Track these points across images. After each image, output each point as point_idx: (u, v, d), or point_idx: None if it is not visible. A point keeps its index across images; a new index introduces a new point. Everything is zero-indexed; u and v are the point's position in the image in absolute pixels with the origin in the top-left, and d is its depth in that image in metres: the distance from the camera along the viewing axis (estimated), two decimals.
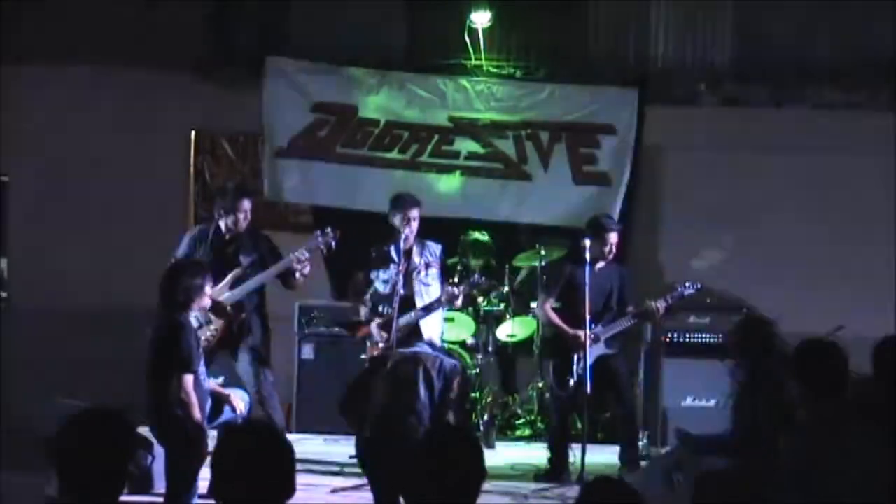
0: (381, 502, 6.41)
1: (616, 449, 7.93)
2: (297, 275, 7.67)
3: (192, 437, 6.44)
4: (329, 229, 7.83)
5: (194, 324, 6.89)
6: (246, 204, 7.73)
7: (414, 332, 7.86)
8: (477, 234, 9.25)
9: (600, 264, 7.86)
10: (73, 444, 3.63)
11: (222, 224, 7.79)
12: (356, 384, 7.62)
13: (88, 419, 3.72)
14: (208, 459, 6.87)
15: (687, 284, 7.94)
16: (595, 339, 7.76)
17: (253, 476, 3.34)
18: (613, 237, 7.88)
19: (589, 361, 7.59)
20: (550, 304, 7.96)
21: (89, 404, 6.40)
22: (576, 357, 7.70)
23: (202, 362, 6.73)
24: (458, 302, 8.00)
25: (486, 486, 7.01)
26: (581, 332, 7.69)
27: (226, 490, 3.37)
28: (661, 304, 7.83)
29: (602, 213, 8.29)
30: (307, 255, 7.63)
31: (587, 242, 7.70)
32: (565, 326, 7.78)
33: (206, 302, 6.80)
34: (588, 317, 7.56)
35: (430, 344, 7.71)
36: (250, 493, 3.32)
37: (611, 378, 7.86)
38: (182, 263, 7.18)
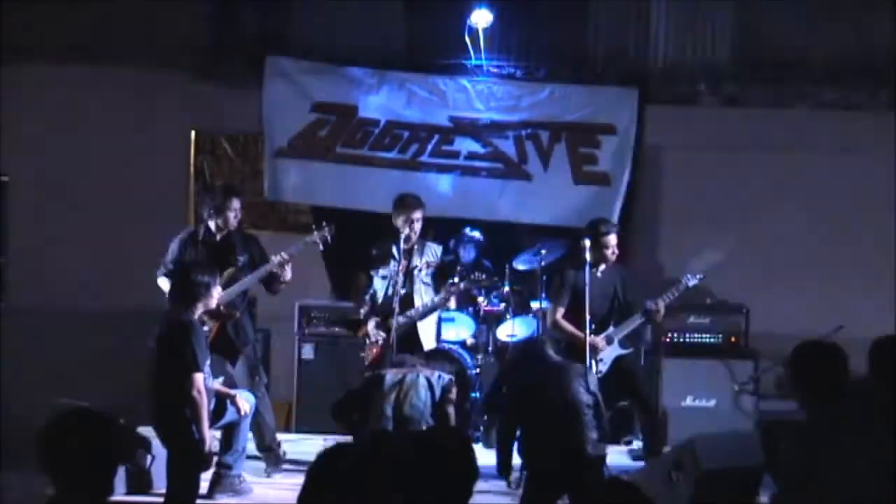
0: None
1: (614, 447, 7.93)
2: (280, 280, 7.71)
3: (197, 439, 6.41)
4: (324, 224, 7.88)
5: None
6: (235, 203, 7.79)
7: (412, 338, 7.91)
8: (468, 230, 9.25)
9: (602, 267, 7.88)
10: (57, 444, 3.63)
11: (212, 224, 7.82)
12: (355, 394, 7.70)
13: (72, 419, 3.72)
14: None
15: (688, 276, 7.98)
16: (609, 341, 7.81)
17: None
18: (612, 239, 7.87)
19: (608, 364, 7.76)
20: (560, 314, 7.93)
21: (89, 404, 6.42)
22: (593, 361, 7.73)
23: (208, 362, 6.72)
24: (451, 301, 8.06)
25: (486, 485, 7.04)
26: (596, 339, 7.76)
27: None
28: (660, 304, 7.84)
29: (599, 216, 8.14)
30: (286, 257, 7.67)
31: (587, 243, 7.71)
32: (578, 333, 7.75)
33: (212, 303, 6.80)
34: (589, 317, 7.58)
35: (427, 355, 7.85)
36: None
37: (630, 378, 7.93)
38: (191, 262, 7.19)
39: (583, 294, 7.64)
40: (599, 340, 7.81)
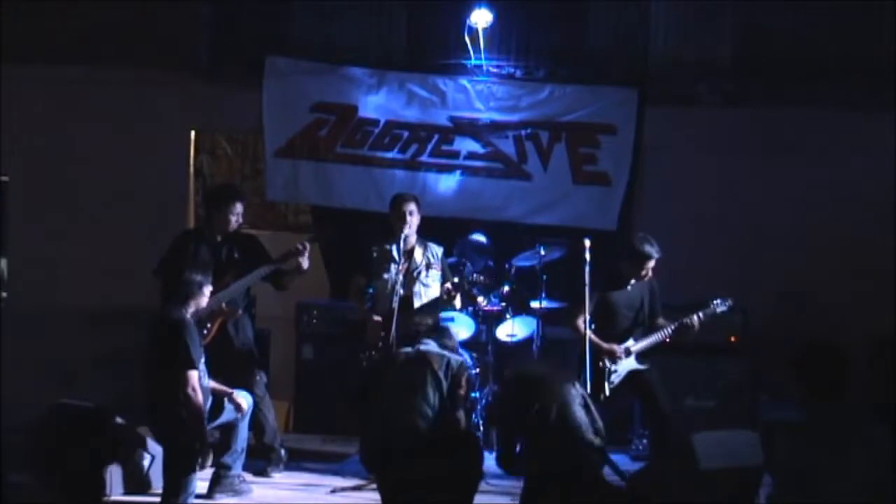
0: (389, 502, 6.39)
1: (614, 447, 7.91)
2: (301, 264, 7.71)
3: (192, 437, 6.41)
4: (305, 241, 7.86)
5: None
6: (238, 207, 7.80)
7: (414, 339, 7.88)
8: (476, 236, 9.24)
9: (633, 281, 7.88)
10: (56, 444, 3.65)
11: (214, 225, 7.84)
12: (366, 388, 7.63)
13: (71, 419, 3.74)
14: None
15: (718, 301, 7.86)
16: (627, 353, 7.81)
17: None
18: (652, 264, 7.81)
19: (621, 376, 7.74)
20: (582, 320, 7.79)
21: (89, 404, 6.42)
22: (608, 369, 7.75)
23: (203, 360, 6.72)
24: (457, 300, 8.02)
25: (486, 486, 7.04)
26: (616, 347, 7.77)
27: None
28: (695, 320, 7.79)
29: (645, 237, 7.89)
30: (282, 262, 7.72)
31: (587, 243, 7.70)
32: (599, 341, 7.75)
33: (204, 302, 6.81)
34: (588, 316, 7.59)
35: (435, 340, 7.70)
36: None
37: (644, 390, 7.84)
38: (185, 261, 7.21)
39: (611, 308, 7.74)
40: (618, 349, 7.80)
